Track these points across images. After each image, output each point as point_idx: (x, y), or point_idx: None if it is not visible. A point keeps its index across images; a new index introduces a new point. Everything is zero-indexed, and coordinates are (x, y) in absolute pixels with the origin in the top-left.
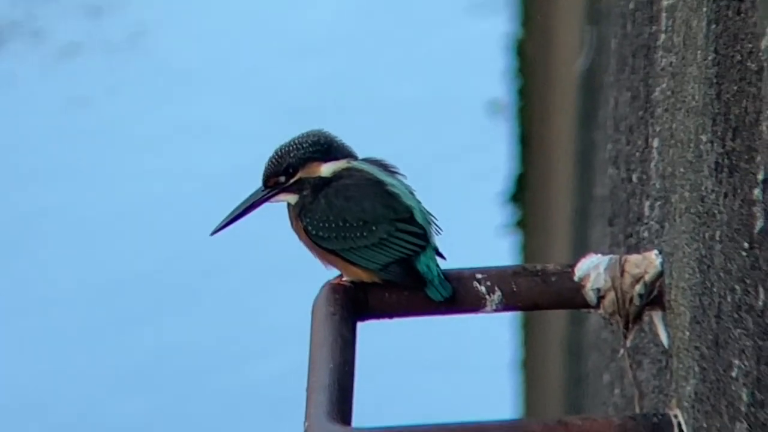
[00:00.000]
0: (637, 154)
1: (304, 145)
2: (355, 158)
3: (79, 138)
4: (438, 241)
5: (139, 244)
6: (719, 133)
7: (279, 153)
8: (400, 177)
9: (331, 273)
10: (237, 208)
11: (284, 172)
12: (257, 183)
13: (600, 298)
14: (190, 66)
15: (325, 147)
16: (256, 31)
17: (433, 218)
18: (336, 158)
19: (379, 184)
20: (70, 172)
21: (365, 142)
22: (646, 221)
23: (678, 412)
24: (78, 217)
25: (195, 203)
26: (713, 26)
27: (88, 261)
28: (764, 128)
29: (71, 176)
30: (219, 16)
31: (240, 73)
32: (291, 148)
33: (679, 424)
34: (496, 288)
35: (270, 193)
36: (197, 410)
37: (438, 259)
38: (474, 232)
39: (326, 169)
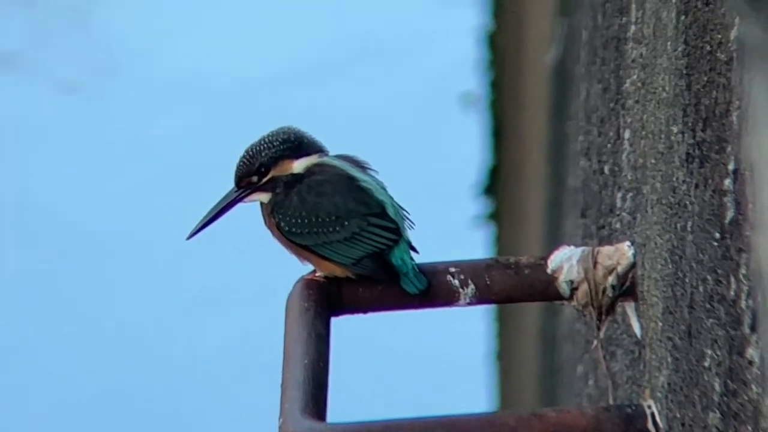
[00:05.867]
0: (609, 145)
1: (275, 143)
2: (326, 153)
3: None
4: (411, 235)
5: None
6: (690, 124)
7: (250, 153)
8: (371, 172)
9: (306, 268)
10: (211, 211)
11: (257, 171)
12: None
13: (573, 290)
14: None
15: (296, 143)
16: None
17: (405, 213)
18: (307, 154)
19: (351, 179)
20: None
21: (337, 138)
22: (618, 212)
23: (651, 402)
24: None
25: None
26: (683, 17)
27: None
28: (734, 119)
29: None
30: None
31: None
32: (262, 147)
33: (653, 415)
34: (470, 281)
35: (243, 194)
36: None
37: (411, 252)
38: (447, 226)
39: (298, 165)
